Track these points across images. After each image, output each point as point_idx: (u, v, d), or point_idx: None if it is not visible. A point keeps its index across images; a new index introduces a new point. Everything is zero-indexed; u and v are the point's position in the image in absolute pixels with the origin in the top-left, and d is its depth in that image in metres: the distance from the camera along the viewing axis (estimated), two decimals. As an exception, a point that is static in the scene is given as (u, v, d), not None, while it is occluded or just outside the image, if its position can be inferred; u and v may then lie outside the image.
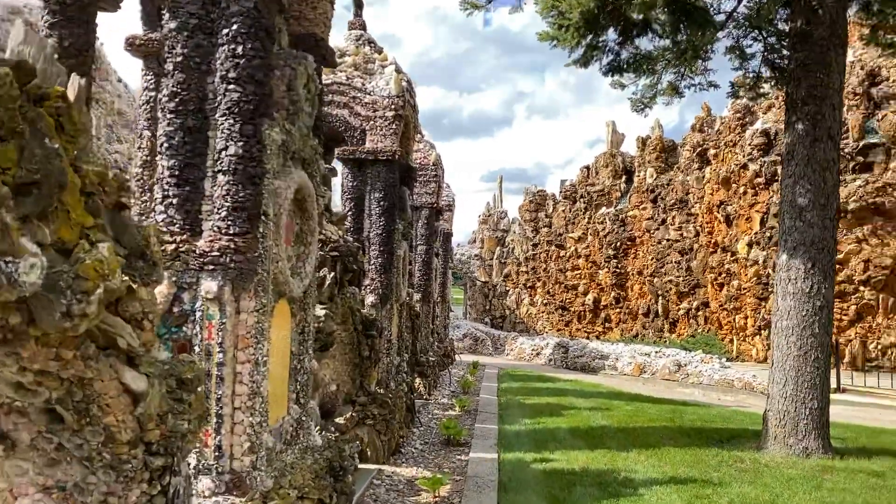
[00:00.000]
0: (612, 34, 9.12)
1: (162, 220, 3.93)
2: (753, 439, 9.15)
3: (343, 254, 6.45)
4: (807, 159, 8.35)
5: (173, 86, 3.94)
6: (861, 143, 16.62)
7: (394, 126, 8.40)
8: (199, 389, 3.30)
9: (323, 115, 8.58)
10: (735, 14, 11.10)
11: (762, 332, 18.76)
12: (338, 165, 8.91)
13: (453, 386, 13.82)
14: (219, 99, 3.91)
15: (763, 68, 11.71)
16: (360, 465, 7.24)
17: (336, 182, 8.98)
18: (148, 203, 5.26)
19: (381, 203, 8.38)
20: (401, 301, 9.13)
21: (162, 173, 3.94)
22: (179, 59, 3.93)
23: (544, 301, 30.05)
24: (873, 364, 16.38)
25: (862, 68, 17.61)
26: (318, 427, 5.44)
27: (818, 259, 8.30)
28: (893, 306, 16.32)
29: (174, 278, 3.85)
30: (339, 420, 7.28)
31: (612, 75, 9.68)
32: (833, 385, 15.44)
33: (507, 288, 32.32)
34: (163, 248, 3.87)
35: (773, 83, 11.71)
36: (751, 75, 11.80)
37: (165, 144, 3.94)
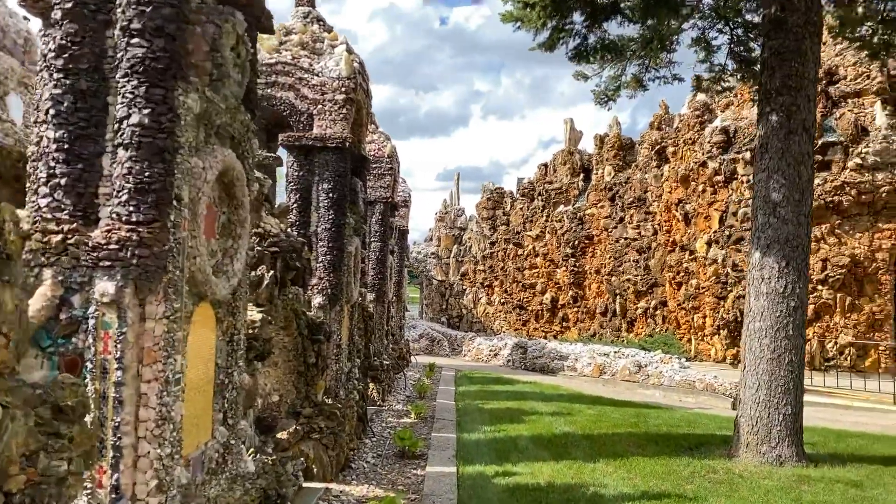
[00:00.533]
0: (579, 17, 8.58)
1: (46, 206, 3.17)
2: (723, 446, 8.74)
3: (284, 250, 5.72)
4: (781, 152, 7.95)
5: (62, 38, 3.18)
6: (820, 142, 16.54)
7: (344, 110, 7.69)
8: (84, 419, 2.58)
9: (265, 96, 7.84)
10: (701, 4, 10.74)
11: (721, 331, 18.61)
12: (283, 155, 8.14)
13: (409, 390, 13.15)
14: (120, 55, 3.17)
15: (728, 61, 11.41)
16: (305, 484, 6.53)
17: (283, 173, 8.23)
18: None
19: (330, 195, 7.66)
20: (352, 302, 8.43)
21: (46, 147, 3.18)
22: (70, 4, 3.18)
23: (502, 300, 29.60)
24: (831, 364, 16.33)
25: (820, 66, 17.55)
26: (252, 449, 4.72)
27: (792, 258, 7.91)
28: (851, 306, 16.30)
29: (60, 277, 3.10)
30: (282, 435, 6.55)
31: (579, 61, 9.16)
32: (792, 385, 15.35)
33: (465, 287, 31.79)
34: (46, 239, 3.11)
35: (738, 77, 11.39)
36: (716, 68, 11.50)
37: (52, 111, 3.18)
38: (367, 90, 8.74)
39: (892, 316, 16.25)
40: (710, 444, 8.92)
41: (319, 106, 7.72)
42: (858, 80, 16.77)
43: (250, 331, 5.00)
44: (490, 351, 20.62)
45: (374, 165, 12.07)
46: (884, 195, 15.90)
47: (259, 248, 5.54)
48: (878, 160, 15.84)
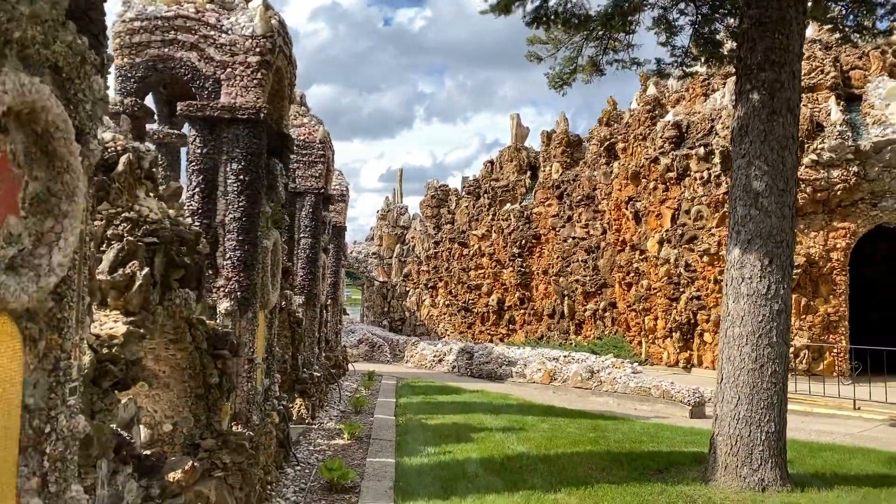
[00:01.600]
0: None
1: None
2: (695, 466, 7.78)
3: (165, 241, 4.38)
4: (763, 135, 7.03)
5: None
6: (775, 137, 15.98)
7: (259, 75, 6.36)
8: None
9: (162, 57, 6.44)
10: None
11: (673, 334, 17.92)
12: (187, 131, 6.74)
13: (344, 404, 11.83)
14: None
15: (691, 44, 10.58)
16: (203, 538, 5.22)
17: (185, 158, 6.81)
18: None
19: (241, 177, 6.32)
20: (270, 306, 7.10)
21: None
22: None
23: (446, 302, 28.46)
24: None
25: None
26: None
27: (776, 254, 7.00)
28: (806, 307, 15.78)
29: None
30: (174, 476, 5.20)
31: (538, 26, 8.08)
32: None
33: (408, 288, 30.53)
34: None
35: (703, 60, 10.54)
36: (678, 51, 10.65)
37: None
38: (291, 57, 7.42)
39: (847, 317, 15.81)
40: (680, 465, 7.94)
41: (228, 70, 6.37)
42: (812, 75, 16.31)
43: (105, 350, 3.66)
44: (434, 356, 19.42)
45: (303, 152, 10.71)
46: (839, 193, 15.43)
47: (130, 239, 4.19)
48: (834, 156, 15.36)
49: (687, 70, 10.97)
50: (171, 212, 4.94)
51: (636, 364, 17.53)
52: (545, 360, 17.16)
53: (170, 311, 4.69)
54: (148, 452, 5.47)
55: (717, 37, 10.28)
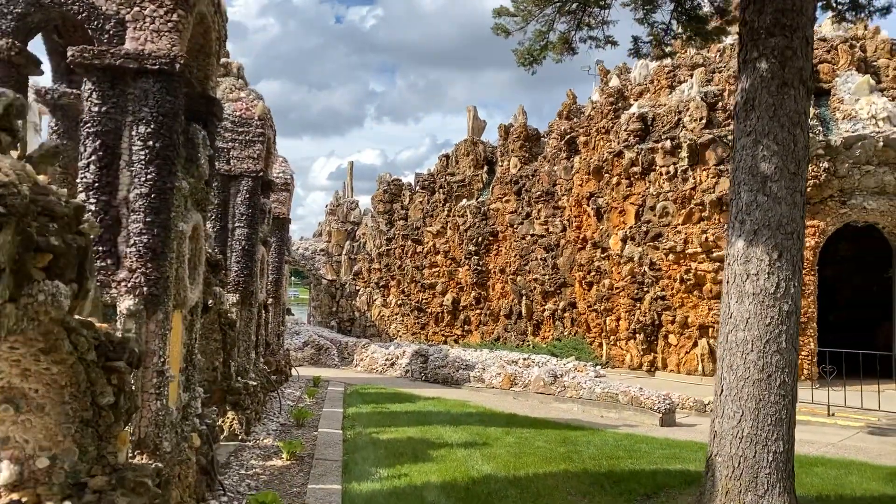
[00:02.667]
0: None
1: None
2: (686, 489, 6.84)
3: (19, 213, 3.12)
4: (773, 110, 6.10)
5: None
6: (745, 131, 15.34)
7: (175, 17, 5.09)
8: None
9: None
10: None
11: (637, 335, 17.15)
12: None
13: (284, 415, 10.53)
14: None
15: (673, 20, 9.73)
16: None
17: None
18: None
19: (151, 143, 5.04)
20: (190, 305, 5.82)
21: None
22: None
23: (399, 302, 27.23)
24: (753, 370, 15.12)
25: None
26: None
27: (786, 247, 6.08)
28: (774, 307, 15.17)
29: None
30: (45, 528, 3.93)
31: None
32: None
33: (358, 287, 29.17)
34: None
35: (686, 36, 9.67)
36: (658, 27, 9.79)
37: None
38: (219, 5, 6.16)
39: (816, 318, 15.29)
40: (669, 488, 6.98)
41: (136, 9, 5.08)
42: (781, 68, 15.72)
43: None
44: (386, 360, 18.18)
45: (240, 129, 9.39)
46: (809, 190, 14.85)
47: (-42, 207, 2.91)
48: (804, 152, 14.79)
49: (666, 50, 10.10)
50: (40, 177, 3.65)
51: (598, 367, 16.69)
52: (504, 363, 16.14)
53: (29, 311, 3.40)
54: (14, 497, 4.28)
55: (700, 12, 9.46)
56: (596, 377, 15.21)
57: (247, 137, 9.36)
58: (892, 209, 15.20)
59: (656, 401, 12.41)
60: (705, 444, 9.97)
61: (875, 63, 16.28)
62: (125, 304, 4.99)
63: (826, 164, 14.72)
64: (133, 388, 4.55)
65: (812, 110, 15.11)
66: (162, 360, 5.21)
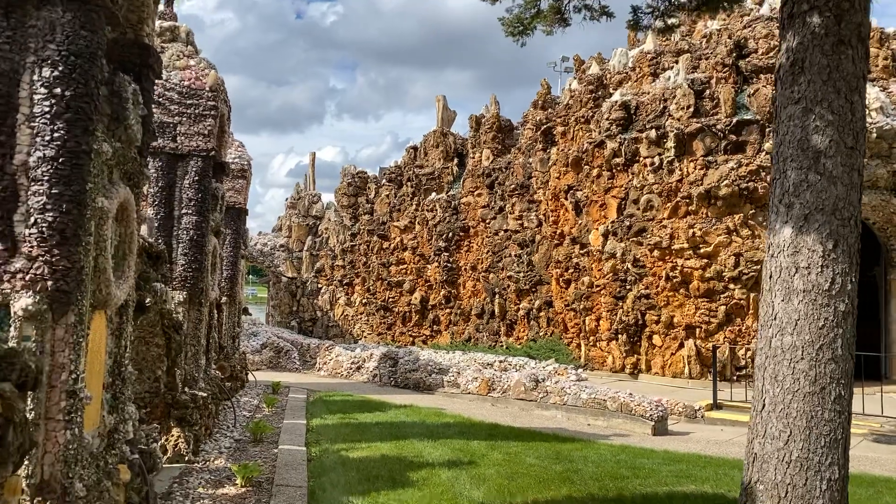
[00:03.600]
0: None
1: None
2: (713, 519, 5.86)
3: None
4: (827, 72, 5.15)
5: None
6: (734, 120, 14.59)
7: (90, -74, 3.86)
8: None
9: None
10: None
11: (619, 336, 16.27)
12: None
13: (239, 429, 9.28)
14: None
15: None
16: None
17: None
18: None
19: (59, 91, 3.81)
20: (115, 304, 4.59)
21: None
22: None
23: (364, 300, 25.97)
24: (742, 372, 14.38)
25: (730, 37, 15.72)
26: None
27: (842, 236, 5.13)
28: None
29: None
30: None
31: None
32: (710, 401, 13.11)
33: (320, 285, 27.81)
34: None
35: (692, 5, 8.73)
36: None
37: None
38: (157, -69, 4.93)
39: (807, 318, 14.59)
40: (694, 517, 5.99)
41: (38, -86, 3.83)
42: (770, 55, 15.01)
43: None
44: (352, 363, 16.95)
45: (188, 101, 8.11)
46: (800, 183, 14.18)
47: None
48: (796, 143, 14.10)
49: (668, 22, 9.16)
50: None
51: (580, 370, 15.77)
52: (481, 367, 15.10)
53: None
54: None
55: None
56: (579, 381, 14.29)
57: (196, 111, 8.08)
58: (883, 204, 14.62)
59: (648, 408, 11.50)
60: (710, 457, 9.11)
61: (864, 53, 15.70)
62: (22, 302, 3.75)
63: (818, 156, 14.04)
64: (28, 417, 3.32)
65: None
66: (75, 376, 3.98)
